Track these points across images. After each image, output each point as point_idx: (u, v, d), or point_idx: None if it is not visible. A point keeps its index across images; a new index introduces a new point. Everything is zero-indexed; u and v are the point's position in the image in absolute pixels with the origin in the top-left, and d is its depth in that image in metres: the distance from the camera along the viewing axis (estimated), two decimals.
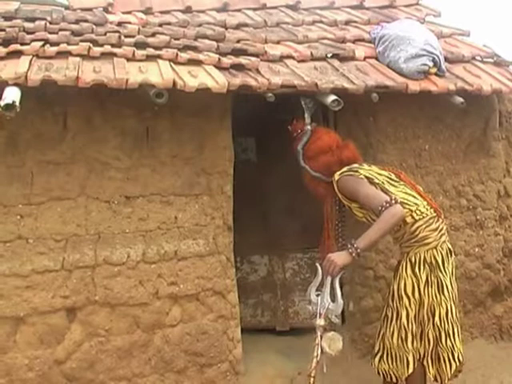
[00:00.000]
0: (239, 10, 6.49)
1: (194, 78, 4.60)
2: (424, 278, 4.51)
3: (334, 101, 4.88)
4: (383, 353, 4.74)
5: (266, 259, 6.38)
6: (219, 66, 4.88)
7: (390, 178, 4.74)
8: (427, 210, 4.58)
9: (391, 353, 4.68)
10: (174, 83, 4.45)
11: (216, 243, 5.13)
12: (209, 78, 4.65)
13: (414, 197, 4.64)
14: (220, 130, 5.09)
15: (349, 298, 6.00)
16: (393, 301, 4.64)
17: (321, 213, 5.22)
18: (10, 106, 3.92)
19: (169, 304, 5.01)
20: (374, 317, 5.65)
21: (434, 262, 4.52)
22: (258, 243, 6.22)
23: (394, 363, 4.67)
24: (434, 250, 4.53)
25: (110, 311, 4.85)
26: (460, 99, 5.36)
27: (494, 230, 6.19)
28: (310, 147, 4.94)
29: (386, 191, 4.52)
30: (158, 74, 4.54)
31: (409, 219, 4.50)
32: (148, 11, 6.07)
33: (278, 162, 6.08)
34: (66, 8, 5.89)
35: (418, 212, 4.53)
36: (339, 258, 4.47)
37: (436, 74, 5.49)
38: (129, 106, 4.76)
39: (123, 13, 5.93)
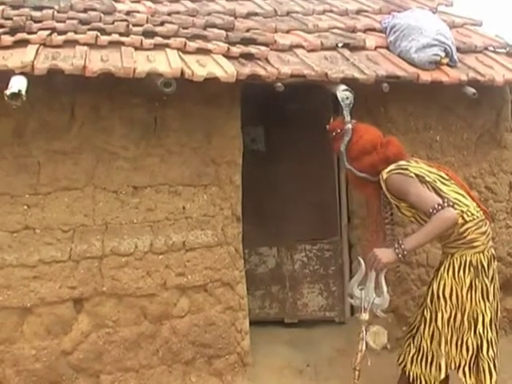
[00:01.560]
0: None
1: (202, 68, 4.56)
2: (468, 282, 4.33)
3: (344, 90, 4.82)
4: (418, 355, 4.58)
5: (275, 251, 6.33)
6: (228, 56, 4.83)
7: (441, 176, 4.52)
8: (477, 211, 4.39)
9: (427, 356, 4.52)
10: (182, 72, 4.41)
11: (224, 234, 5.11)
12: (217, 67, 4.60)
13: (464, 197, 4.44)
14: (229, 119, 5.05)
15: None
16: (431, 302, 4.48)
17: (367, 211, 5.18)
18: (15, 95, 3.89)
19: (177, 295, 5.00)
20: None
21: (479, 266, 4.35)
22: (266, 234, 6.18)
23: (428, 367, 4.52)
24: (481, 254, 4.35)
25: (118, 302, 4.84)
26: (472, 90, 5.29)
27: (505, 223, 6.14)
28: (353, 148, 4.64)
29: (438, 190, 4.35)
30: (166, 63, 4.50)
31: (459, 220, 4.29)
32: (157, 0, 6.02)
33: (286, 151, 6.05)
34: None
35: (468, 213, 4.33)
36: (384, 254, 4.36)
37: (448, 65, 5.43)
38: (136, 95, 4.74)
39: (132, 1, 5.89)
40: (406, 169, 4.45)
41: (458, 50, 5.63)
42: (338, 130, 4.72)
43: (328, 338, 5.99)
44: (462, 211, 4.31)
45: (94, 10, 5.28)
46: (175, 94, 4.44)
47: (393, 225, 4.86)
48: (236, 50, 4.92)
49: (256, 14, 6.00)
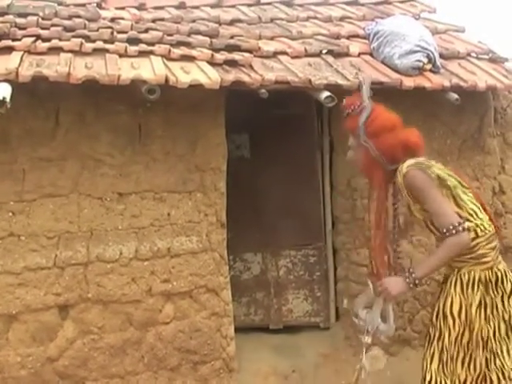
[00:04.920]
0: (233, 6, 6.46)
1: (186, 74, 4.58)
2: (477, 299, 4.06)
3: (327, 97, 4.86)
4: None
5: (260, 257, 6.34)
6: (212, 62, 4.85)
7: (460, 183, 4.18)
8: (489, 225, 4.10)
9: (425, 378, 4.18)
10: (167, 79, 4.43)
11: (209, 240, 5.12)
12: (202, 74, 4.62)
13: (479, 209, 4.12)
14: (213, 126, 5.07)
15: (343, 295, 6.00)
16: (437, 319, 4.17)
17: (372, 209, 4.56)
18: (0, 103, 3.89)
19: (162, 301, 4.99)
20: None
21: (489, 282, 4.07)
22: (251, 241, 6.19)
23: None
24: (490, 271, 4.08)
25: (103, 308, 4.83)
26: (455, 96, 5.34)
27: None
28: (373, 123, 4.25)
29: (457, 199, 4.06)
30: (151, 69, 4.52)
31: (471, 234, 4.01)
32: (141, 7, 6.03)
33: (271, 158, 6.07)
34: (60, 3, 5.84)
35: (482, 227, 4.04)
36: (395, 287, 4.07)
37: (431, 71, 5.47)
38: (121, 102, 4.74)
39: (116, 8, 5.90)
40: (430, 167, 4.12)
41: (441, 56, 5.68)
42: (356, 107, 4.34)
43: (313, 343, 6.01)
44: (477, 225, 4.04)
45: (79, 16, 5.28)
46: (159, 100, 4.47)
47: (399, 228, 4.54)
48: (220, 56, 4.93)
49: (240, 21, 6.03)
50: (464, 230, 3.94)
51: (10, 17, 5.01)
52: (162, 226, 4.96)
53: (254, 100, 4.90)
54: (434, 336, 4.18)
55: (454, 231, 3.92)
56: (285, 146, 6.00)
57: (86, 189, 4.74)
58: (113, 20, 5.42)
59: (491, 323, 4.10)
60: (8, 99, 3.92)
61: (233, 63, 4.93)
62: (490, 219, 4.18)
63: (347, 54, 5.55)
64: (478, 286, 4.07)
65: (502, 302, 4.12)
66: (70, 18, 5.25)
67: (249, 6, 6.51)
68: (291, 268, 6.34)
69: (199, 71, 4.66)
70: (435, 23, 6.48)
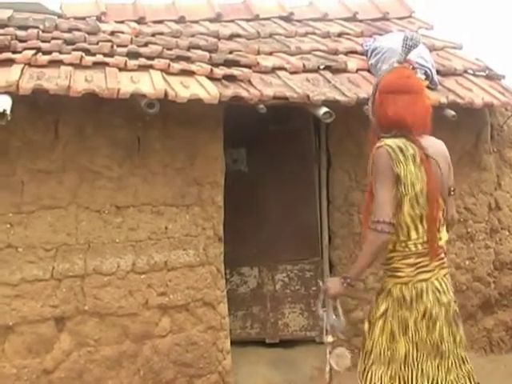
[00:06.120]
0: (232, 21, 6.52)
1: (185, 89, 4.61)
2: (381, 310, 3.86)
3: (325, 113, 4.88)
4: None
5: (256, 271, 6.35)
6: (211, 77, 4.89)
7: (416, 196, 3.72)
8: (416, 246, 3.76)
9: None
10: (166, 94, 4.46)
11: (206, 254, 5.13)
12: (201, 88, 4.65)
13: (416, 228, 3.75)
14: (211, 140, 5.09)
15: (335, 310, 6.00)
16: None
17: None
18: (0, 115, 3.91)
19: (158, 314, 5.00)
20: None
21: (401, 297, 3.79)
22: (248, 254, 6.20)
23: None
24: (405, 286, 3.78)
25: (99, 321, 4.84)
26: (452, 112, 5.37)
27: (484, 243, 6.19)
28: (382, 79, 3.88)
29: (398, 206, 3.69)
30: (150, 84, 4.55)
31: (390, 246, 3.77)
32: (141, 21, 6.08)
33: (269, 173, 6.09)
34: (59, 16, 5.90)
35: (403, 244, 3.76)
36: (332, 287, 3.95)
37: (428, 87, 5.48)
38: (120, 115, 4.77)
39: (116, 22, 5.95)
40: (400, 162, 3.68)
41: (438, 72, 5.71)
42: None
43: (309, 357, 6.00)
44: (400, 240, 3.76)
45: (79, 30, 5.32)
46: (158, 114, 4.50)
47: None
48: (219, 71, 4.97)
49: (239, 36, 6.08)
50: (381, 231, 3.65)
51: (11, 29, 5.06)
52: (159, 239, 4.97)
53: (252, 115, 4.92)
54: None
55: (373, 226, 3.68)
56: (282, 161, 6.03)
57: (84, 201, 4.76)
58: (112, 33, 5.47)
59: (403, 345, 3.84)
60: (8, 111, 3.94)
61: (232, 78, 4.96)
62: (429, 241, 3.78)
63: (345, 70, 5.58)
64: (387, 298, 3.85)
65: (415, 323, 3.81)
66: (69, 30, 5.29)
67: (248, 21, 6.56)
68: (288, 282, 6.35)
69: (198, 86, 4.69)
70: (433, 40, 6.52)
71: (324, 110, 4.90)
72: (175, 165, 4.98)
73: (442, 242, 3.86)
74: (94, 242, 4.80)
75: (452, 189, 3.95)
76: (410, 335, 3.82)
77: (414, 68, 3.91)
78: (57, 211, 4.70)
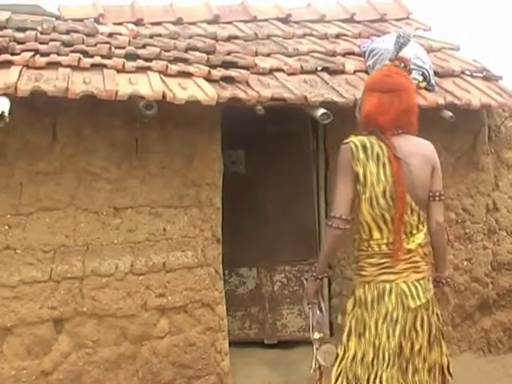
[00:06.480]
0: (230, 23, 6.53)
1: (183, 90, 4.61)
2: (349, 308, 3.86)
3: (323, 114, 4.89)
4: None
5: (255, 272, 6.37)
6: (209, 79, 4.89)
7: (384, 192, 3.64)
8: (379, 247, 3.71)
9: None
10: (164, 95, 4.46)
11: (205, 255, 5.13)
12: (198, 90, 4.66)
13: (380, 230, 3.70)
14: (209, 142, 5.09)
15: (337, 311, 6.00)
16: None
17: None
18: None
19: (157, 316, 5.00)
20: None
21: (362, 296, 3.78)
22: (246, 256, 6.21)
23: None
24: (367, 285, 3.75)
25: (98, 322, 4.84)
26: (449, 113, 5.38)
27: (482, 244, 6.19)
28: (369, 77, 3.97)
29: (356, 206, 3.69)
30: (148, 85, 4.55)
31: (355, 244, 3.82)
32: (139, 22, 6.09)
33: (266, 174, 6.10)
34: (57, 18, 5.90)
35: (365, 244, 3.75)
36: (309, 285, 3.98)
37: (425, 88, 5.51)
38: (118, 117, 4.77)
39: (114, 24, 5.95)
40: (360, 160, 3.62)
41: (436, 74, 5.72)
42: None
43: (307, 358, 5.91)
44: (362, 238, 3.75)
45: (77, 31, 5.33)
46: (156, 116, 4.50)
47: None
48: (217, 73, 4.97)
49: (237, 38, 6.09)
50: (335, 227, 3.66)
51: (9, 31, 5.06)
52: (157, 240, 4.98)
53: (249, 116, 4.93)
54: None
55: (329, 222, 3.72)
56: (280, 162, 6.04)
57: (82, 203, 4.76)
58: (110, 35, 5.47)
59: (361, 347, 3.80)
60: (7, 113, 3.94)
61: (229, 80, 4.97)
62: (394, 242, 3.70)
63: (343, 72, 5.59)
64: (351, 296, 3.87)
65: (376, 325, 3.75)
66: (67, 32, 5.30)
67: (245, 22, 6.57)
68: (286, 283, 6.37)
69: (196, 87, 4.70)
70: (430, 41, 6.53)
71: (322, 111, 4.90)
72: (173, 166, 4.99)
73: (412, 246, 3.73)
74: (93, 244, 4.80)
75: (438, 194, 3.86)
76: (369, 337, 3.76)
77: (406, 66, 3.81)
78: (55, 213, 4.70)
